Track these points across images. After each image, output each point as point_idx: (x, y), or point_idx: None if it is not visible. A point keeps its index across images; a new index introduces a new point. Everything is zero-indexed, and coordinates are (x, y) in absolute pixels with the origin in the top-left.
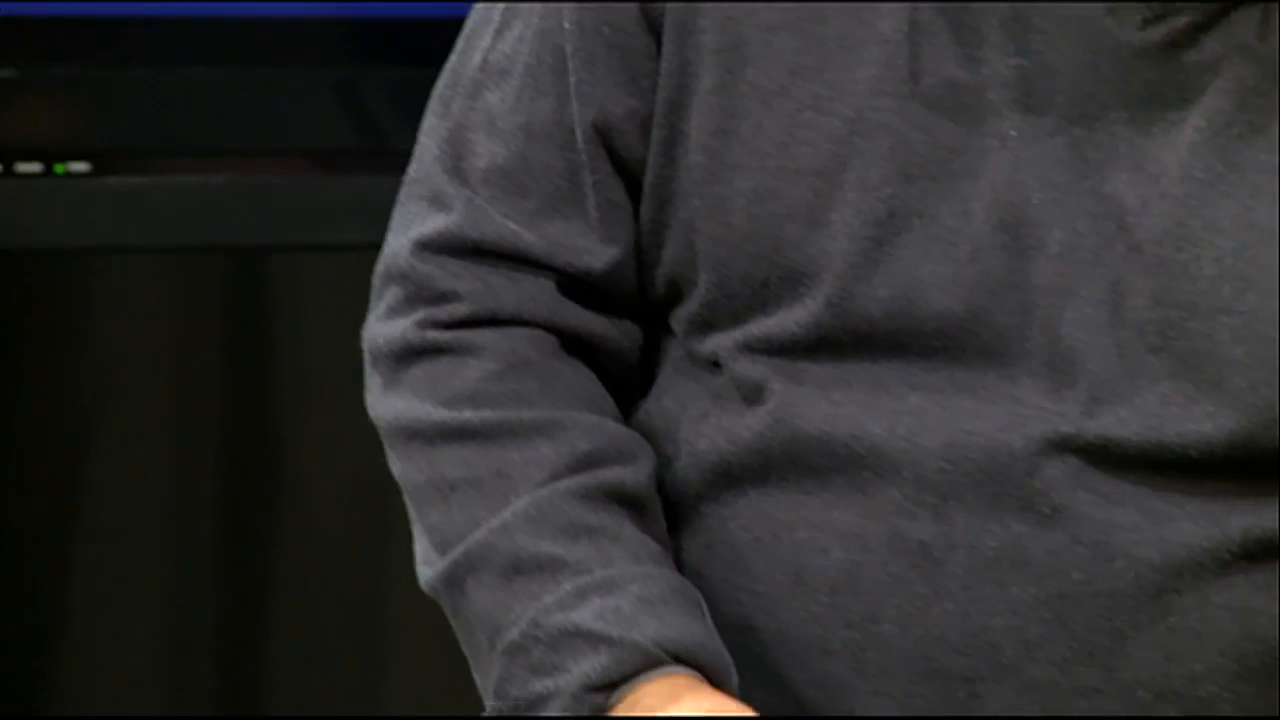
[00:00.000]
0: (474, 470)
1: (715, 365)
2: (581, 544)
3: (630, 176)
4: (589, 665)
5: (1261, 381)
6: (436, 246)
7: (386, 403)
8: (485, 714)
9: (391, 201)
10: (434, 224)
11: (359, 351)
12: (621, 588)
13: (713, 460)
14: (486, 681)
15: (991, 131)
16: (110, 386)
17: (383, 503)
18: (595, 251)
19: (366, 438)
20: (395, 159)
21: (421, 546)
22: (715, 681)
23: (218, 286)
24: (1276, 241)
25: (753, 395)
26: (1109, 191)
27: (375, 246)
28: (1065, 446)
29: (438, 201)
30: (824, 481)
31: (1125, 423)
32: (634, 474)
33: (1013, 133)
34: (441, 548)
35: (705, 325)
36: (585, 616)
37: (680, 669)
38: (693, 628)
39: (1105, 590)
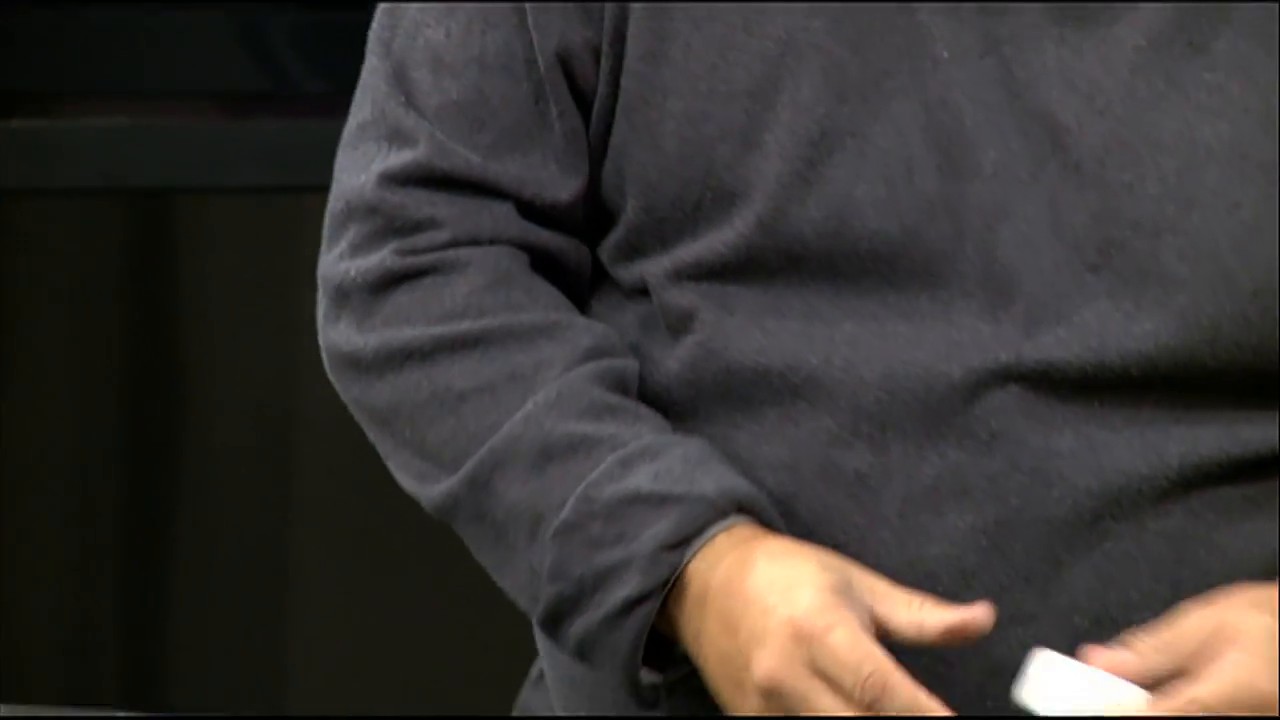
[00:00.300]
0: (483, 378)
1: (643, 294)
2: (607, 421)
3: (586, 106)
4: (659, 527)
5: (1205, 299)
6: (403, 179)
7: (363, 336)
8: (540, 603)
9: (294, 143)
10: (399, 158)
11: (261, 293)
12: (664, 452)
13: (640, 394)
14: (526, 576)
15: (923, 52)
16: (11, 331)
17: (285, 443)
18: (559, 183)
19: (270, 379)
20: (298, 102)
21: (418, 468)
22: (770, 529)
23: (120, 229)
24: (1221, 160)
25: (681, 324)
26: (1042, 110)
27: (278, 189)
28: (1005, 375)
29: (398, 137)
30: (755, 414)
31: (1065, 343)
32: (631, 368)
33: (944, 53)
34: (456, 459)
35: (631, 251)
36: (641, 481)
37: (743, 518)
38: (740, 480)
39: (1042, 517)
